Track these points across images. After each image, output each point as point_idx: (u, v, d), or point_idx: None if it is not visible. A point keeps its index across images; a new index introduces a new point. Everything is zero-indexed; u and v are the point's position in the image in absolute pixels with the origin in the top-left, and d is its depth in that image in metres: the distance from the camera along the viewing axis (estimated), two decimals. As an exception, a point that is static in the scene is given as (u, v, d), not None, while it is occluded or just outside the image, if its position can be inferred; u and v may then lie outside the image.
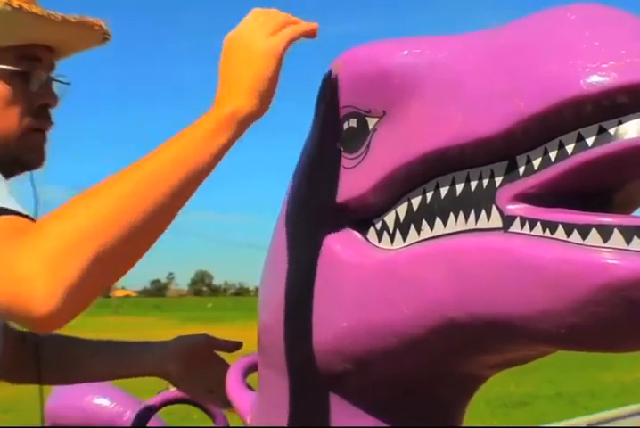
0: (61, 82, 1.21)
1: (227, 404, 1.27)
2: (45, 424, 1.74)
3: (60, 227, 0.81)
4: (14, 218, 0.85)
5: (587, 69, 0.73)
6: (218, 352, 1.42)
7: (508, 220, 0.80)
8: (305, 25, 0.97)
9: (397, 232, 0.94)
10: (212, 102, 0.93)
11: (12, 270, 0.79)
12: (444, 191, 0.88)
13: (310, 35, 0.98)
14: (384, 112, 0.94)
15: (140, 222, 0.83)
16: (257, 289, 1.23)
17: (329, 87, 1.01)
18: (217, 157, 0.89)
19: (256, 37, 0.94)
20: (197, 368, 1.38)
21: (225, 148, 0.89)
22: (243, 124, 0.91)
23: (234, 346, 1.40)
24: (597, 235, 0.72)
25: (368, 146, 0.96)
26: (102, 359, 1.42)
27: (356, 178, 0.97)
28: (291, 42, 0.95)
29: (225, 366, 1.31)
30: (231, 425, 1.52)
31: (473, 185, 0.85)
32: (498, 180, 0.82)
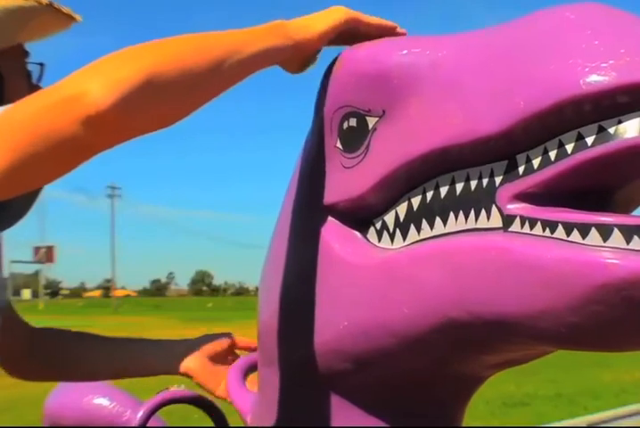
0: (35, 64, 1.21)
1: None
2: (45, 425, 1.74)
3: (115, 54, 0.83)
4: None
5: (587, 69, 0.72)
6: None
7: (508, 220, 0.80)
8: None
9: (398, 231, 0.94)
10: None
11: (63, 82, 0.81)
12: (444, 190, 0.88)
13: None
14: (384, 112, 0.94)
15: (201, 69, 0.85)
16: (257, 289, 1.23)
17: (328, 87, 1.01)
18: (262, 53, 0.93)
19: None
20: (218, 367, 1.38)
21: (269, 50, 0.94)
22: (287, 37, 0.96)
23: (255, 348, 1.40)
24: (597, 235, 0.72)
25: (368, 146, 0.96)
26: (121, 356, 1.41)
27: (356, 178, 0.97)
28: (350, 19, 1.01)
29: None
30: (231, 425, 1.52)
31: (473, 184, 0.85)
32: (498, 179, 0.82)
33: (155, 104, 0.82)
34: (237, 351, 1.42)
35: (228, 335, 1.41)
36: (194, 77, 0.85)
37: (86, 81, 0.79)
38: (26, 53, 1.17)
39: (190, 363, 1.36)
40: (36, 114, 0.80)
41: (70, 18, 1.14)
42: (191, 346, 1.39)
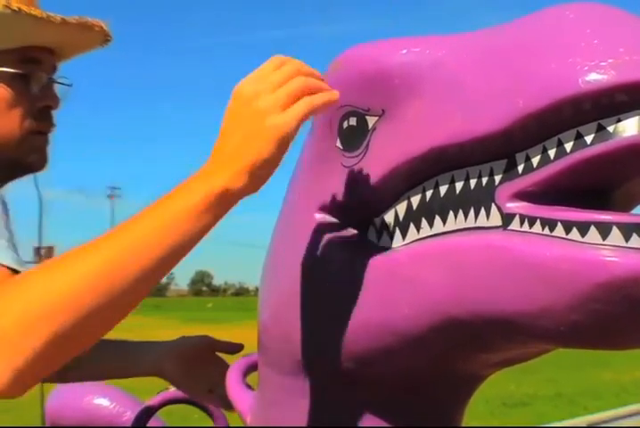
0: (62, 84, 1.22)
1: (228, 404, 1.27)
2: (45, 424, 1.74)
3: (24, 300, 0.79)
4: None
5: (586, 68, 0.73)
6: (220, 354, 1.42)
7: (507, 218, 0.80)
8: (325, 96, 0.88)
9: (397, 230, 0.95)
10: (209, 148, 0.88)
11: None
12: (443, 189, 0.89)
13: (327, 106, 0.90)
14: (383, 111, 0.94)
15: (114, 293, 0.80)
16: (257, 289, 1.23)
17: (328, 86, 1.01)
18: (201, 234, 0.85)
19: (266, 109, 0.85)
20: (196, 368, 1.38)
21: (209, 227, 0.85)
22: (231, 203, 0.86)
23: (236, 348, 1.40)
24: (596, 233, 0.72)
25: (367, 145, 0.96)
26: (101, 358, 1.41)
27: (356, 177, 0.97)
28: (303, 120, 0.86)
29: (225, 367, 1.32)
30: (231, 425, 1.52)
31: (473, 183, 0.85)
32: (497, 178, 0.83)
33: (68, 350, 0.81)
34: (219, 354, 1.42)
35: (206, 337, 1.42)
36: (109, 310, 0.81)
37: None
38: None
39: (166, 365, 1.37)
40: None
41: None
42: (169, 348, 1.39)
